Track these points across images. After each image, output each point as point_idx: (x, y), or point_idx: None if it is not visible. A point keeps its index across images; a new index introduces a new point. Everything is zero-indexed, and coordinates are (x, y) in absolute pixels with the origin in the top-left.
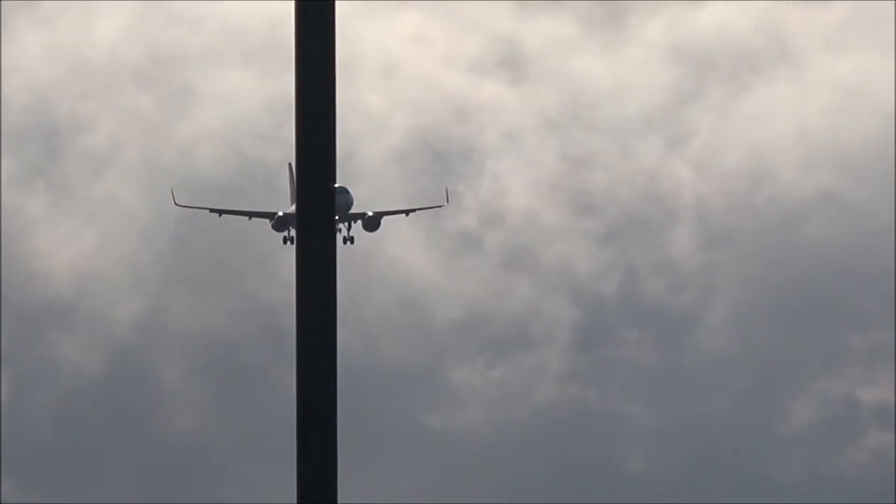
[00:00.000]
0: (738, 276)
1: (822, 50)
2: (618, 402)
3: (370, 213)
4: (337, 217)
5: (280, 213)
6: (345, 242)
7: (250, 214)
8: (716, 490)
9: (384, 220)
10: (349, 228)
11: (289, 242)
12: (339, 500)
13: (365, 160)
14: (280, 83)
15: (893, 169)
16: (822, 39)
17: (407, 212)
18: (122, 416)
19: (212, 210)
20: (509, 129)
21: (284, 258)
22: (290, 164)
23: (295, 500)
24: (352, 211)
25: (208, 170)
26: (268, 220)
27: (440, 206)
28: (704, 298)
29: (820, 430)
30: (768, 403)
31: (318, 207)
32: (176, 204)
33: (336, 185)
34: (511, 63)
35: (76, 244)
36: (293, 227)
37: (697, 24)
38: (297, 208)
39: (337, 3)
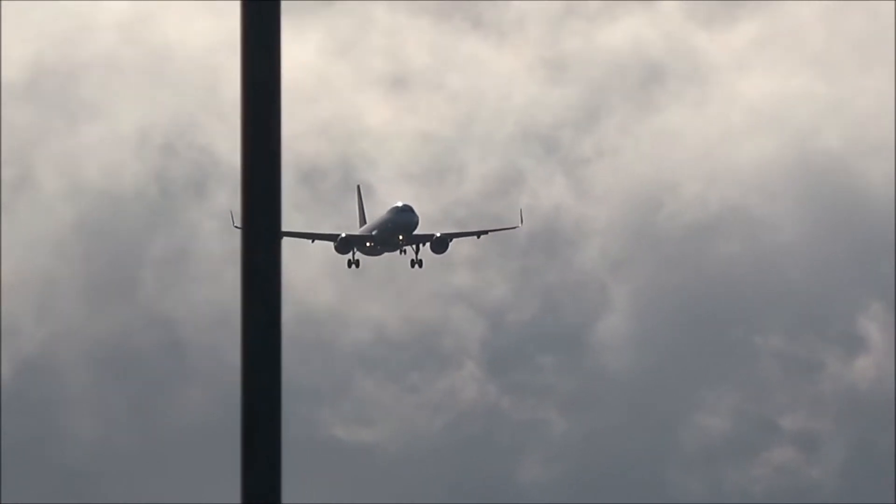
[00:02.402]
0: (640, 293)
1: (729, 69)
2: (525, 418)
3: (438, 235)
4: (402, 238)
5: (343, 235)
6: (412, 266)
7: (314, 237)
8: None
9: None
10: (417, 251)
11: (353, 266)
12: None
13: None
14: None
15: (799, 186)
16: (729, 59)
17: (479, 234)
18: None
19: None
20: (397, 147)
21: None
22: (357, 186)
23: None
24: (417, 232)
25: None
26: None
27: (515, 228)
28: (609, 315)
29: (724, 446)
30: (672, 419)
31: (263, 223)
32: (235, 226)
33: (401, 204)
34: (399, 79)
35: None
36: (358, 250)
37: (607, 39)
38: (242, 224)
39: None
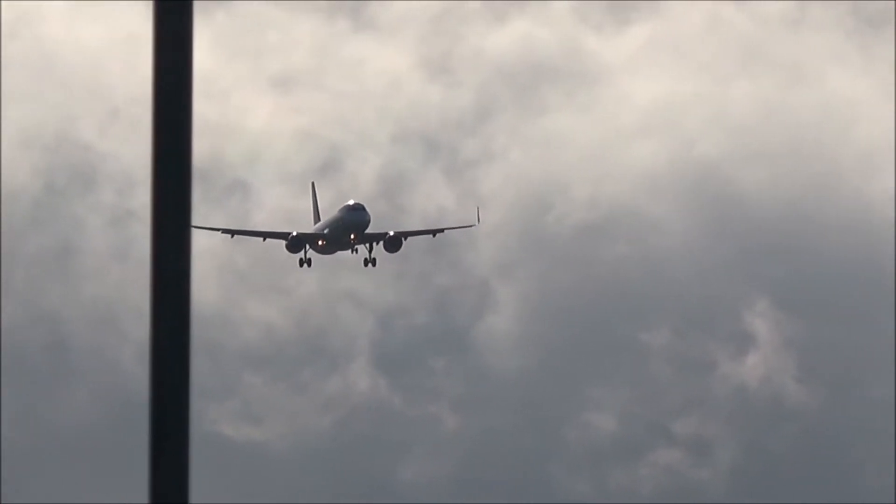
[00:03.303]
0: (529, 294)
1: (619, 72)
2: (412, 417)
3: (391, 233)
4: (353, 237)
5: (294, 234)
6: (366, 265)
7: (265, 235)
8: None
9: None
10: (370, 250)
11: (305, 265)
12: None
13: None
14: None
15: (685, 188)
16: (619, 62)
17: (434, 232)
18: None
19: (223, 231)
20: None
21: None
22: (312, 183)
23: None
24: (369, 231)
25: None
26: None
27: (471, 226)
28: (498, 315)
29: (611, 445)
30: (559, 418)
31: (172, 218)
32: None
33: (352, 203)
34: (283, 78)
35: None
36: (311, 248)
37: (496, 40)
38: (152, 219)
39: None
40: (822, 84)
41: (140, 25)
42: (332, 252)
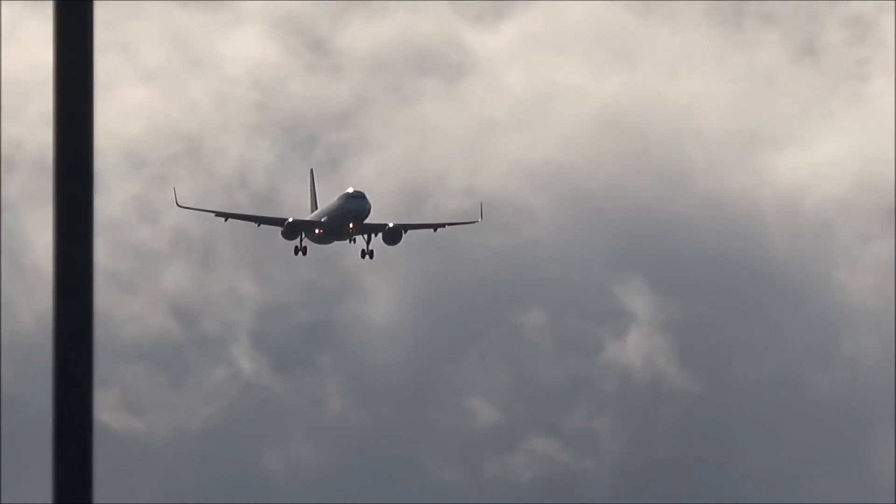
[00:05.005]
0: (405, 284)
1: (495, 64)
2: (292, 407)
3: (391, 225)
4: (352, 226)
5: (290, 220)
6: (363, 256)
7: (259, 220)
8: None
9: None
10: (368, 241)
11: (300, 253)
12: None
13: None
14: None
15: (560, 179)
16: (495, 54)
17: (435, 226)
18: None
19: (217, 213)
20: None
21: None
22: (311, 170)
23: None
24: (370, 221)
25: None
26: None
27: (474, 222)
28: (374, 306)
29: (488, 433)
30: (437, 407)
31: (75, 212)
32: (178, 205)
33: (352, 190)
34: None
35: None
36: (307, 236)
37: (376, 32)
38: (56, 214)
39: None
40: (694, 78)
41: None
42: (328, 241)
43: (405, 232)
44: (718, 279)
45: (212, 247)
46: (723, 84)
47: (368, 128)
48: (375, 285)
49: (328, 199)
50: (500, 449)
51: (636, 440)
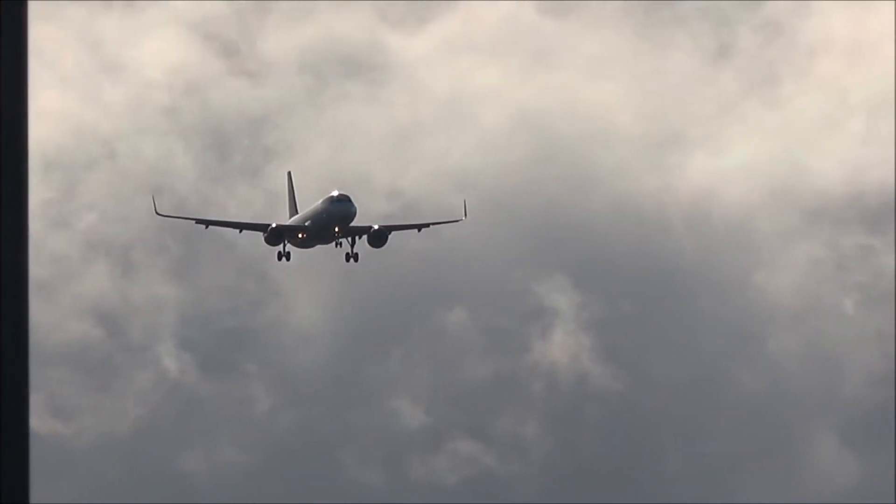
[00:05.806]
0: (329, 285)
1: (419, 66)
2: (218, 408)
3: (376, 227)
4: (338, 230)
5: (273, 225)
6: (348, 260)
7: (241, 226)
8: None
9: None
10: (353, 244)
11: (284, 259)
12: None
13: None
14: None
15: (484, 178)
16: (419, 57)
17: (420, 227)
18: None
19: (198, 221)
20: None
21: None
22: (288, 173)
23: None
24: (354, 223)
25: None
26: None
27: (458, 221)
28: (298, 307)
29: (412, 434)
30: (360, 408)
31: (10, 222)
32: (157, 213)
33: (336, 193)
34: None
35: None
36: (289, 241)
37: (301, 35)
38: None
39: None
40: (608, 82)
41: None
42: (311, 246)
43: (390, 233)
44: (634, 279)
45: (129, 251)
46: (637, 87)
47: (290, 130)
48: (298, 287)
49: (310, 202)
50: (425, 450)
51: (561, 439)
